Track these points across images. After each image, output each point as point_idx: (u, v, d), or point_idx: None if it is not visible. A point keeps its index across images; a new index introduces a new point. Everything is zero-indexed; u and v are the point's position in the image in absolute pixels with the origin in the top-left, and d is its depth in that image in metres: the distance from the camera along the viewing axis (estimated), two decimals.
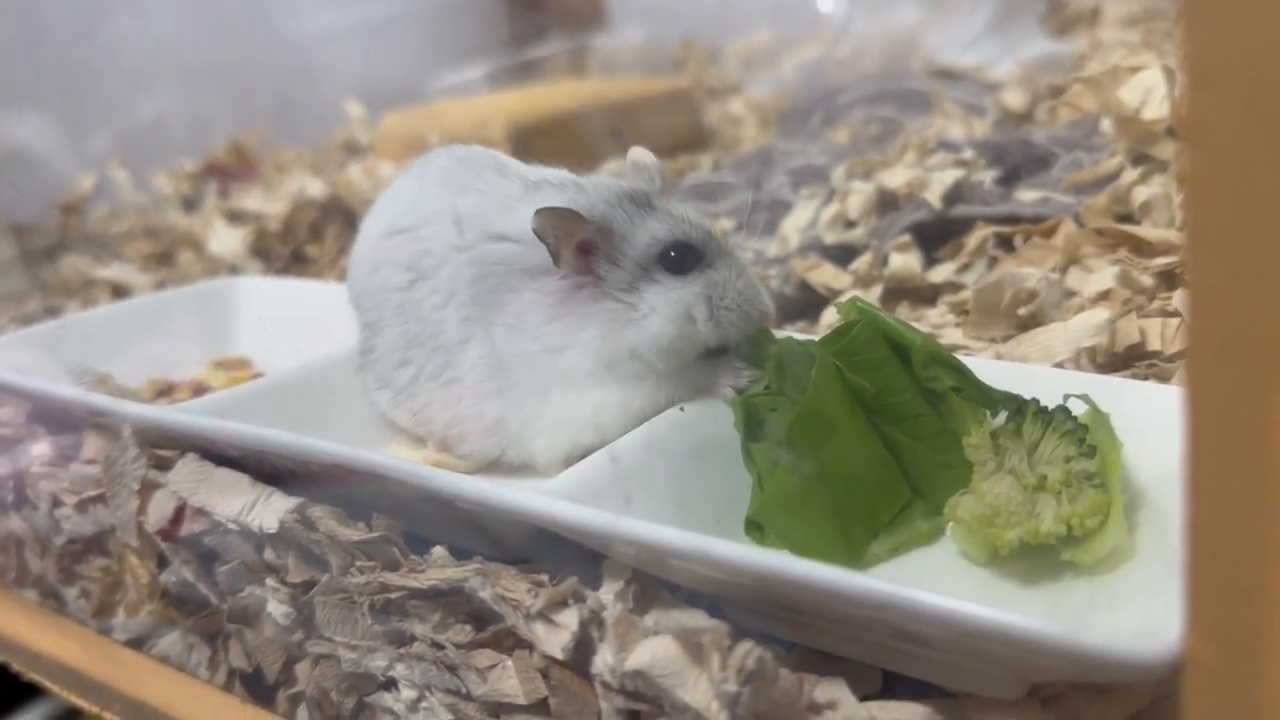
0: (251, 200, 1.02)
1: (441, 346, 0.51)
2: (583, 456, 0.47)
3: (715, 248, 0.48)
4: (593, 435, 0.48)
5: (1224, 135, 0.22)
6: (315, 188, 0.98)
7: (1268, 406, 0.22)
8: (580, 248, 0.47)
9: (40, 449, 0.60)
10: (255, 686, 0.50)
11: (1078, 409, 0.41)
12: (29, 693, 0.83)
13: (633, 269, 0.48)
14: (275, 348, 0.71)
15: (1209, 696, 0.25)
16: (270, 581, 0.47)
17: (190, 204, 1.09)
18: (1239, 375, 0.23)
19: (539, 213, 0.46)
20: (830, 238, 0.68)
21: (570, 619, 0.38)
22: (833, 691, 0.34)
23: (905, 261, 0.63)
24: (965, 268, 0.62)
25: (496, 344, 0.49)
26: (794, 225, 0.73)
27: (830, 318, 0.60)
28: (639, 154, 0.52)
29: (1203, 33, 0.21)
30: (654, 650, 0.34)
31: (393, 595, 0.42)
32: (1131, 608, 0.35)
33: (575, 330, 0.48)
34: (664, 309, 0.47)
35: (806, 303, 0.65)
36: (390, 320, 0.53)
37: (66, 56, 1.15)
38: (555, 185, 0.50)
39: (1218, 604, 0.24)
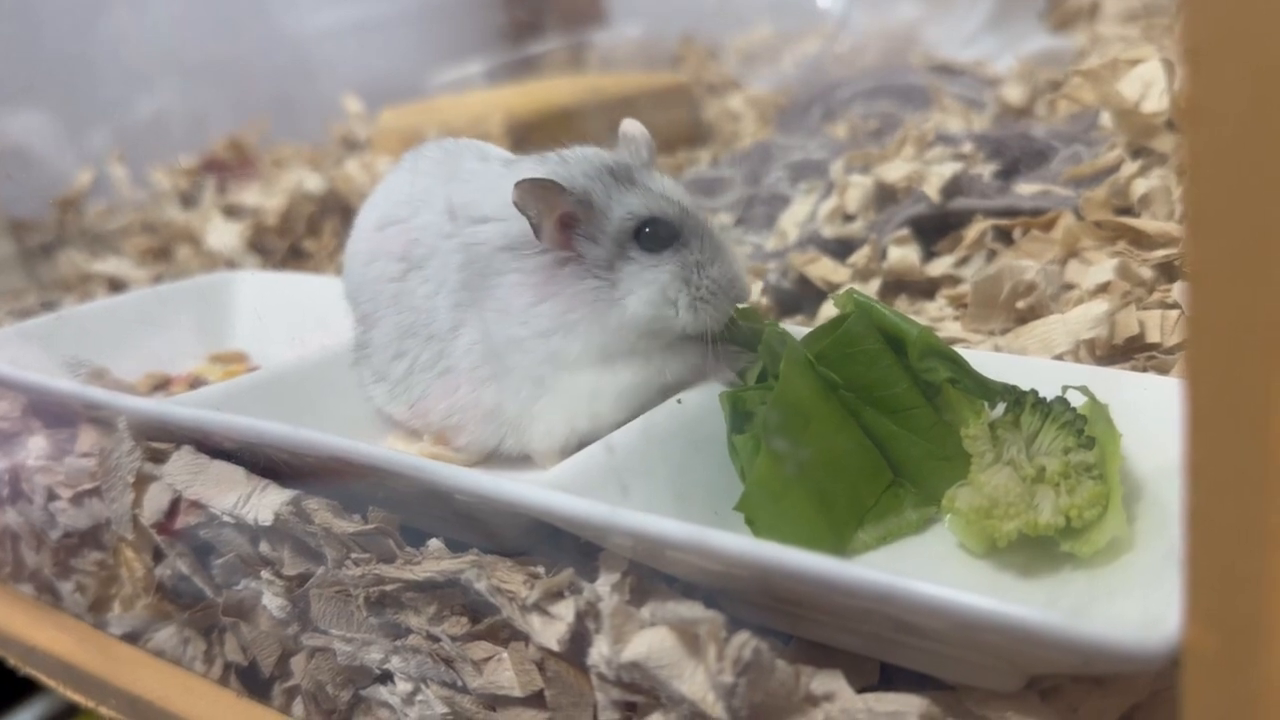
0: (249, 195, 1.02)
1: (435, 335, 0.51)
2: (580, 441, 0.47)
3: (692, 224, 0.48)
4: (588, 418, 0.48)
5: (1223, 119, 0.22)
6: (313, 183, 0.98)
7: (1267, 393, 0.22)
8: (561, 221, 0.47)
9: (36, 443, 0.59)
10: (251, 680, 0.50)
11: (1077, 400, 0.41)
12: (25, 688, 0.83)
13: (609, 245, 0.47)
14: (272, 342, 0.71)
15: (1208, 684, 0.25)
16: (266, 574, 0.47)
17: (188, 199, 1.09)
18: (1238, 361, 0.22)
19: (519, 184, 0.45)
20: (829, 231, 0.68)
21: (566, 611, 0.37)
22: (830, 683, 0.34)
23: (904, 255, 0.62)
24: (964, 261, 0.62)
25: (488, 330, 0.49)
26: (792, 219, 0.73)
27: (829, 311, 0.60)
28: (629, 125, 0.51)
29: (1202, 16, 0.21)
30: (650, 642, 0.34)
31: (388, 588, 0.42)
32: (1130, 599, 0.35)
33: (562, 312, 0.47)
34: (640, 290, 0.47)
35: (805, 297, 0.65)
36: (385, 312, 0.52)
37: (65, 52, 1.15)
38: (534, 161, 0.50)
39: (1217, 592, 0.24)
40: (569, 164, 0.48)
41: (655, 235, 0.47)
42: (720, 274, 0.47)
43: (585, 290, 0.47)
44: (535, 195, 0.46)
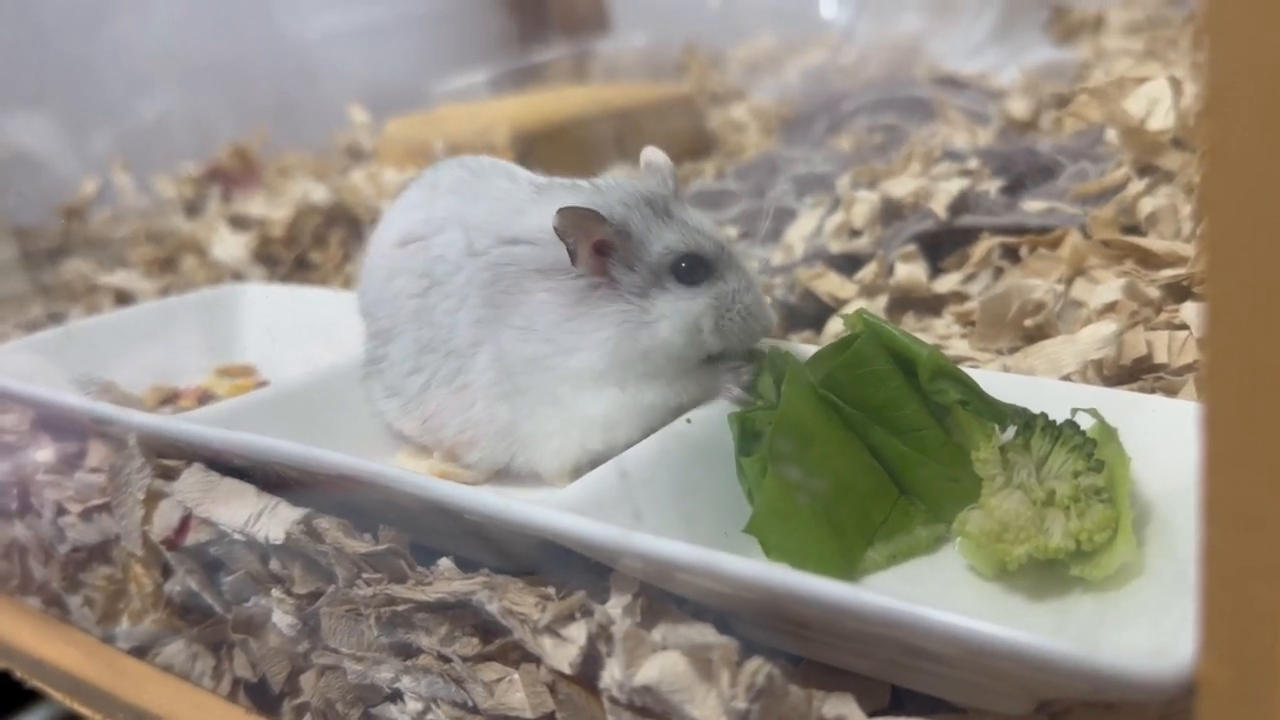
0: (255, 206, 1.02)
1: (454, 352, 0.51)
2: (591, 462, 0.47)
3: (726, 260, 0.49)
4: (601, 439, 0.48)
5: (1242, 154, 0.22)
6: (319, 193, 0.98)
7: None
8: (597, 248, 0.48)
9: (45, 456, 0.60)
10: (260, 697, 0.50)
11: (1086, 423, 0.41)
12: (31, 699, 0.83)
13: (646, 274, 0.48)
14: (280, 355, 0.71)
15: (1222, 718, 0.25)
16: (276, 592, 0.47)
17: (193, 208, 1.09)
18: (1256, 396, 0.22)
19: (561, 211, 0.46)
20: (835, 247, 0.68)
21: (578, 633, 0.38)
22: (841, 707, 0.34)
23: (910, 271, 0.62)
24: (971, 278, 0.62)
25: (506, 348, 0.49)
26: (799, 234, 0.73)
27: (835, 327, 0.60)
28: (652, 155, 0.52)
29: (1223, 53, 0.21)
30: (662, 666, 0.34)
31: (399, 608, 0.42)
32: (1140, 624, 0.35)
33: (590, 330, 0.48)
34: (674, 318, 0.48)
35: (811, 312, 0.65)
36: (404, 327, 0.53)
37: (69, 57, 1.15)
38: (568, 187, 0.51)
39: (1232, 626, 0.24)
40: (604, 193, 0.50)
41: (693, 269, 0.48)
42: (750, 306, 0.49)
43: (615, 312, 0.48)
44: (575, 222, 0.47)
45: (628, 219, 0.48)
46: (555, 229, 0.47)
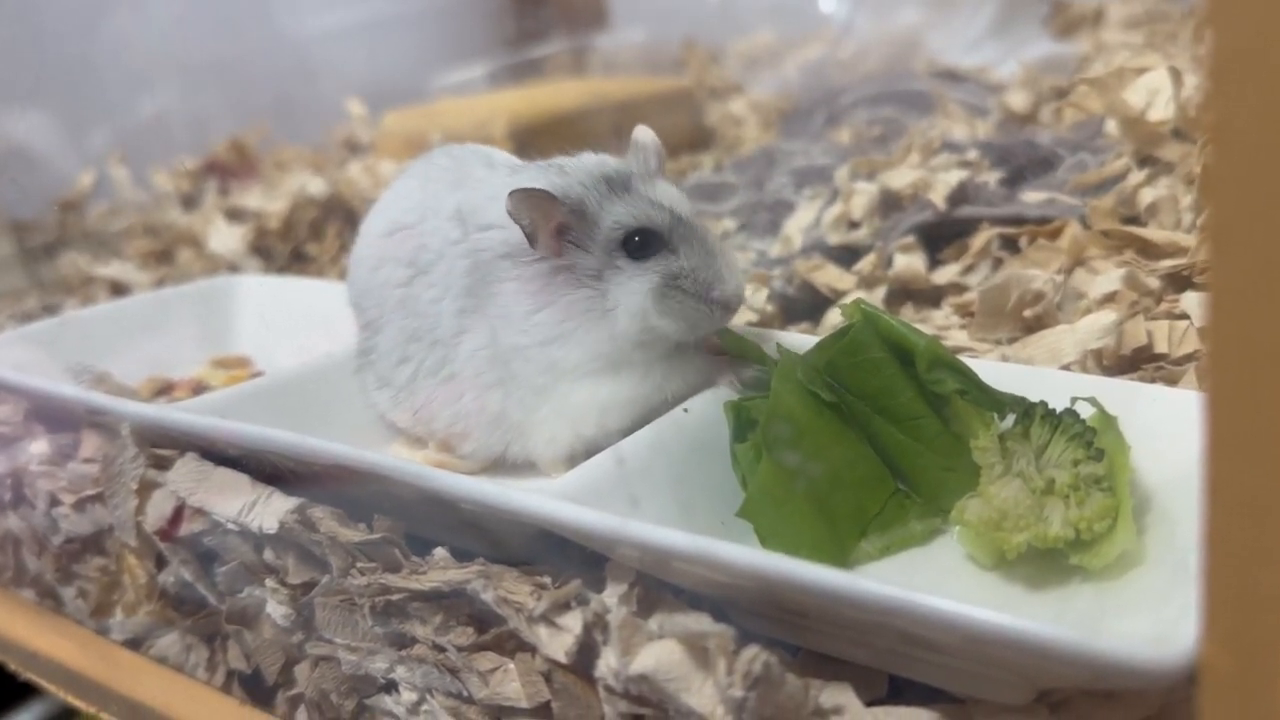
0: (251, 198, 1.01)
1: (439, 341, 0.51)
2: (585, 449, 0.47)
3: (682, 232, 0.47)
4: (594, 426, 0.48)
5: (1246, 137, 0.21)
6: (316, 186, 0.97)
7: None
8: (557, 229, 0.47)
9: (38, 447, 0.59)
10: (254, 688, 0.50)
11: (1085, 411, 0.40)
12: (25, 692, 0.82)
13: (599, 254, 0.47)
14: (275, 346, 0.71)
15: (1225, 704, 0.24)
16: (270, 582, 0.46)
17: (190, 202, 1.09)
18: (1259, 381, 0.22)
19: (512, 194, 0.46)
20: (834, 238, 0.68)
21: (573, 622, 0.37)
22: (838, 696, 0.34)
23: (909, 262, 0.62)
24: (970, 269, 0.62)
25: (491, 336, 0.49)
26: (797, 226, 0.73)
27: (834, 319, 0.60)
28: (640, 133, 0.51)
29: (1227, 34, 0.21)
30: (658, 654, 0.34)
31: (394, 597, 0.42)
32: (1140, 612, 0.35)
33: (559, 320, 0.47)
34: (626, 299, 0.47)
35: (810, 304, 0.64)
36: (391, 317, 0.52)
37: (67, 53, 1.15)
38: (537, 170, 0.50)
39: (1234, 611, 0.24)
40: (567, 173, 0.48)
41: (642, 244, 0.47)
42: (708, 281, 0.47)
43: (579, 299, 0.47)
44: (529, 204, 0.46)
45: (583, 198, 0.47)
46: (509, 211, 0.46)
